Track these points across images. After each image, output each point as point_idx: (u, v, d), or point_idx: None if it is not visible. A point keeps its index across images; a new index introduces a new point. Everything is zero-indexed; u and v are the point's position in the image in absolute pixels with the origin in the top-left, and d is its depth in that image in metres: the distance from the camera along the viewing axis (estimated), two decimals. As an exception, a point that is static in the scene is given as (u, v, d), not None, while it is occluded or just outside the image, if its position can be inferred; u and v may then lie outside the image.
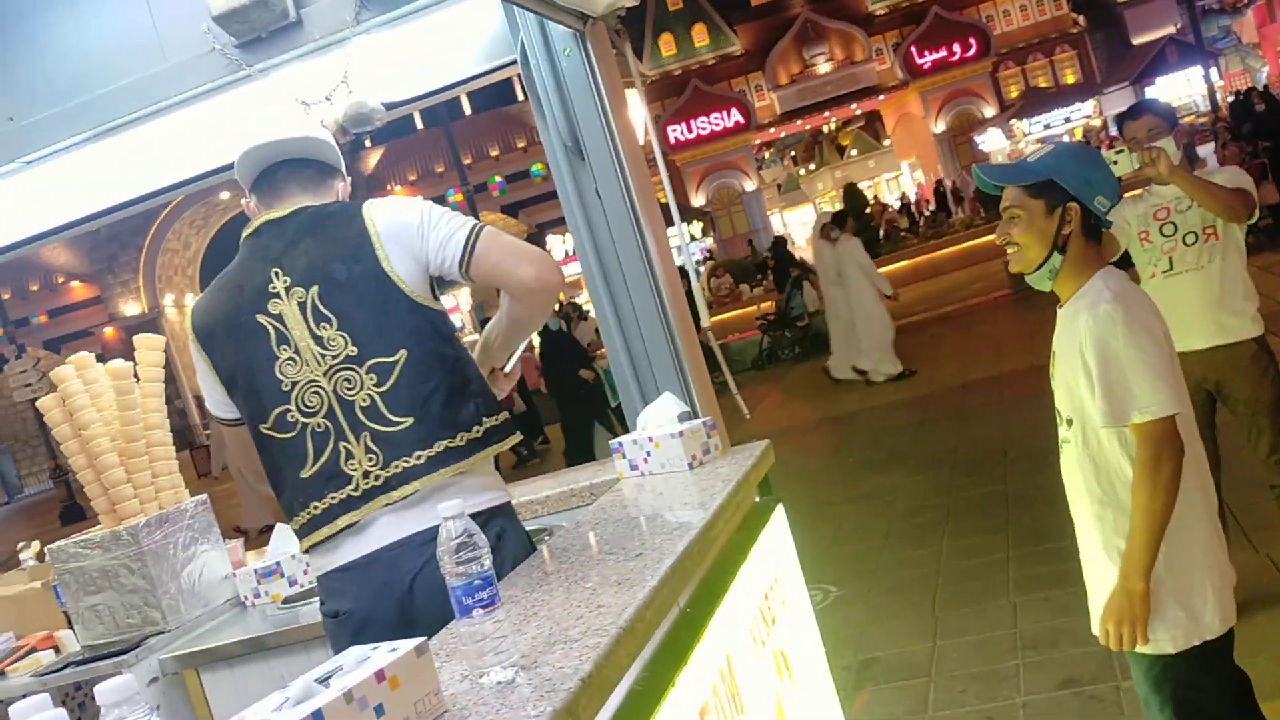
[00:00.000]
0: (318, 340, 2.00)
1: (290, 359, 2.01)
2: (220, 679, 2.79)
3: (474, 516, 2.01)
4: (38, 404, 2.93)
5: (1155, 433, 1.99)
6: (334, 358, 2.00)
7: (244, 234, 2.14)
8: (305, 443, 2.01)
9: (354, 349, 2.00)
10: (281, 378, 2.01)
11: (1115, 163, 3.11)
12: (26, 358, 18.01)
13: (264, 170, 2.16)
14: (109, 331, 27.06)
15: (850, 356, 10.62)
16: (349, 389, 1.99)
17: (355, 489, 1.99)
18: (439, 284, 2.12)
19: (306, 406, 2.00)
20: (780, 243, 17.56)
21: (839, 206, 25.63)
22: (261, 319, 2.03)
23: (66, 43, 3.24)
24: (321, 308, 2.01)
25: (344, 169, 2.27)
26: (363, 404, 1.99)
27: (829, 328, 11.08)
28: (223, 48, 3.07)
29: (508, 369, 2.37)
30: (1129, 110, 3.68)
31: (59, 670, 2.85)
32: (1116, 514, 2.10)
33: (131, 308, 27.20)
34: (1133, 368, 2.00)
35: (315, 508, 2.01)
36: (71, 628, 3.03)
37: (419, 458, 1.99)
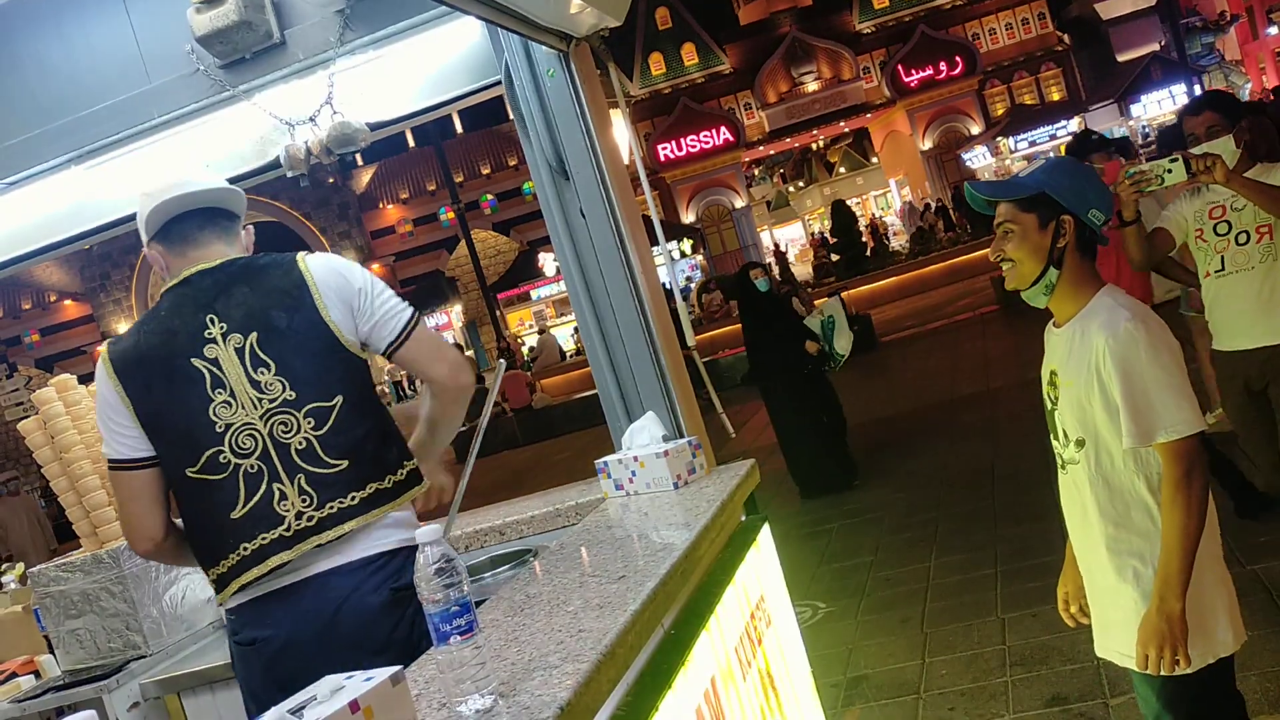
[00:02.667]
0: (254, 384, 2.04)
1: (225, 402, 2.03)
2: (202, 703, 2.76)
3: (394, 554, 2.07)
4: (19, 426, 2.91)
5: (1183, 451, 1.98)
6: (271, 401, 2.04)
7: (167, 285, 2.15)
8: (237, 484, 2.03)
9: (292, 393, 2.04)
10: (215, 420, 2.03)
11: (1169, 171, 2.95)
12: (18, 377, 17.99)
13: (174, 219, 2.15)
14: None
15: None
16: (285, 432, 2.04)
17: (287, 529, 2.02)
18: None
19: (240, 448, 2.02)
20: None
21: (828, 223, 25.75)
22: (197, 363, 2.05)
23: (50, 64, 3.23)
24: (260, 353, 2.05)
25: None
26: (299, 446, 2.04)
27: None
28: (206, 69, 3.07)
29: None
30: (1190, 104, 3.58)
31: (39, 696, 2.82)
32: (1131, 535, 2.09)
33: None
34: (1158, 387, 1.98)
35: (245, 548, 2.03)
36: (52, 652, 3.00)
37: (353, 499, 2.05)
